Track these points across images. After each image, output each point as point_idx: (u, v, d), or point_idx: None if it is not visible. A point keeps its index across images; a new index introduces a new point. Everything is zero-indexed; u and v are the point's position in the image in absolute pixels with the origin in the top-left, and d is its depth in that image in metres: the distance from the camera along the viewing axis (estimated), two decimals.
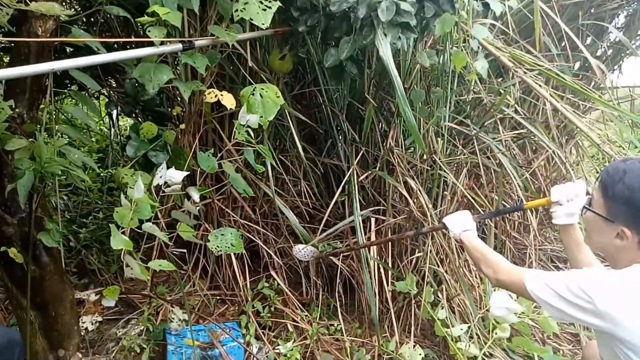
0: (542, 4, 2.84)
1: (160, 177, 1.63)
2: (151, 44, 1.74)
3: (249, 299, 2.83)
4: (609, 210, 1.21)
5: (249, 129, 1.90)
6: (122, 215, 1.55)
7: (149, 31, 1.71)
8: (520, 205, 2.10)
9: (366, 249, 2.75)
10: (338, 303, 2.94)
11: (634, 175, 1.15)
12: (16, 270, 1.91)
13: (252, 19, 1.83)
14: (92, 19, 2.81)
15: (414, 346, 2.53)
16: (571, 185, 1.56)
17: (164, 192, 1.71)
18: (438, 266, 2.78)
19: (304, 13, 2.17)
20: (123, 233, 1.49)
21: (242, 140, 1.88)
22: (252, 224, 2.98)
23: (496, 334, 2.53)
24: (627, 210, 1.17)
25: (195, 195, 1.80)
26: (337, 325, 2.86)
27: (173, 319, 2.52)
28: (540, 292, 1.26)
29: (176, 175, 1.66)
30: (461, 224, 1.74)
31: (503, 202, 3.06)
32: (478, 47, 2.52)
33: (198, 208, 1.83)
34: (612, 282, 1.18)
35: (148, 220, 1.60)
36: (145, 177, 1.84)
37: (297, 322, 2.82)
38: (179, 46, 1.84)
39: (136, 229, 1.62)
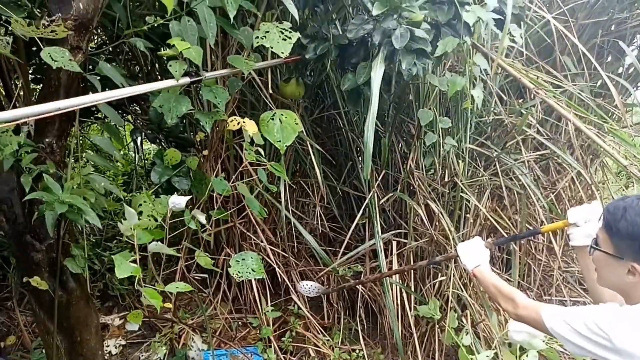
0: (560, 24, 2.83)
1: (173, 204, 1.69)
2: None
3: (270, 323, 2.82)
4: (616, 248, 1.22)
5: (260, 149, 1.94)
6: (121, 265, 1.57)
7: (170, 65, 1.76)
8: (537, 230, 2.07)
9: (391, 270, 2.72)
10: (360, 327, 2.91)
11: (634, 212, 1.18)
12: (44, 295, 1.96)
13: (272, 47, 1.88)
14: (118, 49, 2.92)
15: None
16: (587, 207, 1.57)
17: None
18: (462, 290, 2.73)
19: (313, 41, 2.21)
20: (134, 261, 1.51)
21: (254, 160, 1.91)
22: (273, 247, 2.99)
23: None
24: (633, 245, 1.18)
25: (202, 218, 1.84)
26: (359, 350, 2.82)
27: (192, 346, 2.52)
28: (559, 328, 1.28)
29: (180, 201, 1.71)
30: (473, 258, 1.70)
31: (527, 224, 3.00)
32: (480, 75, 2.54)
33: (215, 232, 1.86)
34: (628, 319, 1.18)
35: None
36: (162, 203, 1.87)
37: (319, 347, 2.80)
38: (187, 80, 1.87)
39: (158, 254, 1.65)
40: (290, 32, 1.90)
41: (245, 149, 1.91)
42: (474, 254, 1.71)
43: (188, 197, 1.76)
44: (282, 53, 1.85)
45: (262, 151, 1.97)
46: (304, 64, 2.58)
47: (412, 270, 2.82)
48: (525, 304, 1.44)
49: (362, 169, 3.14)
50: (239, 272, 1.88)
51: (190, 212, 1.90)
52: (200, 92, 2.01)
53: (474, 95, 2.49)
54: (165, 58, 1.92)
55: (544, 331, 1.35)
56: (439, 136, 2.72)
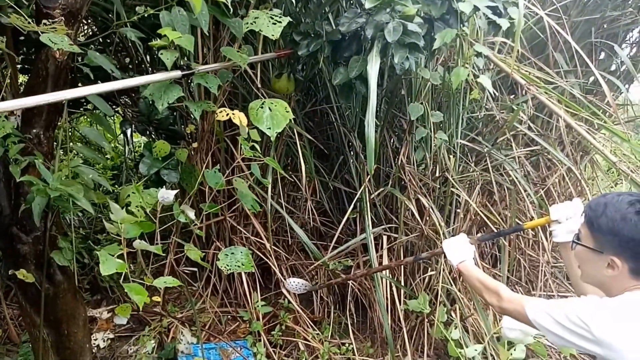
0: (553, 21, 2.84)
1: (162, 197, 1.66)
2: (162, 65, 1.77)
3: (260, 317, 2.82)
4: (597, 242, 1.28)
5: (255, 144, 1.92)
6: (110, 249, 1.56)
7: (162, 54, 1.74)
8: (520, 226, 2.13)
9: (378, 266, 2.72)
10: (350, 321, 2.92)
11: (614, 208, 1.24)
12: (30, 288, 1.93)
13: (261, 31, 1.86)
14: (108, 40, 2.88)
15: None
16: (569, 204, 1.63)
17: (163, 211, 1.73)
18: (451, 285, 2.75)
19: (306, 38, 2.20)
20: (121, 256, 1.49)
21: (251, 156, 1.89)
22: (263, 241, 2.98)
23: (512, 354, 2.47)
24: (613, 239, 1.24)
25: (191, 214, 1.82)
26: (349, 344, 2.83)
27: (182, 340, 2.51)
28: (541, 320, 1.32)
29: (169, 195, 1.69)
30: (458, 254, 1.75)
31: (517, 219, 3.02)
32: (484, 65, 2.52)
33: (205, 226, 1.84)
34: (607, 310, 1.22)
35: (142, 238, 1.60)
36: (152, 194, 1.85)
37: (309, 341, 2.80)
38: (178, 73, 1.85)
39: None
40: (280, 17, 1.89)
41: (241, 144, 1.89)
42: (459, 249, 1.76)
43: (176, 191, 1.74)
44: (272, 36, 1.83)
45: (257, 146, 1.95)
46: (296, 59, 2.56)
47: (401, 265, 2.83)
48: (509, 297, 1.48)
49: (353, 163, 3.14)
50: (227, 265, 1.87)
51: (179, 205, 1.89)
52: (192, 83, 1.98)
53: (482, 83, 2.46)
54: (156, 49, 1.89)
55: (527, 323, 1.38)
56: (430, 131, 2.72)
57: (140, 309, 2.84)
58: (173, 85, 1.85)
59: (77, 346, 2.12)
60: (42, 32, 1.50)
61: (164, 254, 1.79)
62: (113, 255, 1.45)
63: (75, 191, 1.65)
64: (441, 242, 2.65)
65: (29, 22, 1.50)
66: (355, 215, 3.06)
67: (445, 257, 1.79)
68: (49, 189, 1.59)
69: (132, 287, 1.43)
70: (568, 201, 1.65)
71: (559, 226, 1.62)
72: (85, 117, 2.99)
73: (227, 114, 1.83)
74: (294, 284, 2.56)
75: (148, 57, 3.05)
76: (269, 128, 1.85)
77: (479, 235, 1.92)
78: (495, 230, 2.85)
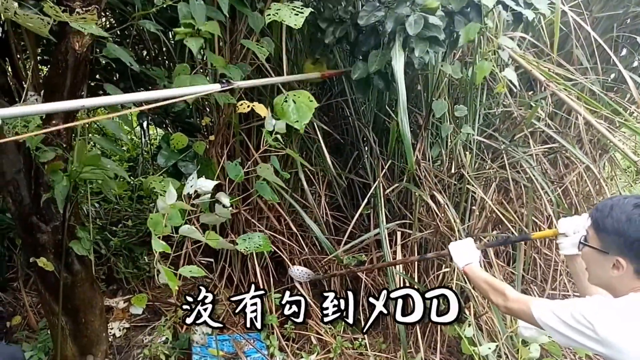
0: (575, 16, 2.78)
1: (191, 186, 1.65)
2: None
3: (273, 310, 2.83)
4: (603, 243, 1.30)
5: (278, 136, 1.93)
6: (156, 222, 1.58)
7: (187, 42, 1.75)
8: (527, 235, 2.17)
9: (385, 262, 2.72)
10: (362, 317, 2.91)
11: (620, 210, 1.27)
12: (49, 276, 1.97)
13: (284, 21, 1.87)
14: (125, 32, 2.90)
15: None
16: (577, 218, 1.65)
17: (193, 202, 1.73)
18: (465, 282, 2.72)
19: (331, 25, 2.18)
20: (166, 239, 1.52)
21: (275, 147, 1.89)
22: (277, 235, 2.99)
23: (527, 353, 2.45)
24: (618, 240, 1.26)
25: (226, 200, 1.81)
26: (362, 339, 2.83)
27: (197, 330, 2.53)
28: (547, 318, 1.34)
29: (207, 185, 1.67)
30: (464, 257, 1.77)
31: (533, 217, 2.99)
32: (509, 59, 2.48)
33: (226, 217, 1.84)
34: (612, 309, 1.24)
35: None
36: (175, 183, 1.87)
37: (321, 335, 2.80)
38: (217, 86, 1.84)
39: (166, 237, 1.64)
40: (301, 8, 1.89)
41: (264, 136, 1.90)
42: (465, 252, 1.78)
43: (216, 182, 1.73)
44: (295, 25, 1.84)
45: (280, 138, 1.95)
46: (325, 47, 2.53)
47: (416, 261, 2.82)
48: (515, 297, 1.51)
49: (367, 158, 3.12)
50: (246, 247, 1.90)
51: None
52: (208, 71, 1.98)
53: (507, 76, 2.42)
54: (173, 41, 1.91)
55: (533, 322, 1.41)
56: (456, 125, 2.69)
57: (159, 298, 2.89)
58: (198, 76, 1.86)
59: (94, 334, 2.16)
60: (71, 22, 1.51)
61: (207, 241, 1.79)
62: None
63: (99, 176, 1.68)
64: (456, 240, 2.65)
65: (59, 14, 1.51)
66: (369, 211, 3.05)
67: (452, 258, 1.81)
68: (74, 171, 1.61)
69: (167, 271, 1.46)
70: (576, 215, 1.69)
71: (566, 239, 1.65)
72: (102, 109, 3.02)
73: (248, 106, 1.84)
74: (298, 272, 2.61)
75: (164, 49, 3.07)
76: (297, 121, 1.86)
77: (486, 241, 1.94)
78: (510, 228, 2.83)
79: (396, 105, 2.88)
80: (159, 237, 1.51)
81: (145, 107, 1.75)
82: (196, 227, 1.68)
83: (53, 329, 2.09)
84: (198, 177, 1.66)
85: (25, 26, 1.50)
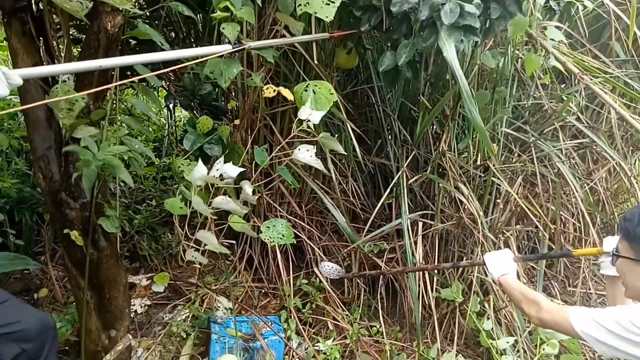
0: (614, 6, 2.69)
1: (217, 169, 1.67)
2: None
3: (291, 295, 2.86)
4: (636, 252, 1.27)
5: (310, 122, 1.92)
6: (173, 205, 1.60)
7: (223, 28, 1.75)
8: (569, 252, 2.13)
9: (412, 252, 2.71)
10: (379, 305, 2.92)
11: None
12: (76, 251, 2.02)
13: (316, 13, 1.84)
14: (155, 14, 2.91)
15: (456, 355, 2.48)
16: None
17: (217, 185, 1.75)
18: (485, 275, 2.70)
19: (366, 12, 2.13)
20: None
21: (307, 134, 1.89)
22: (297, 220, 3.00)
23: (544, 349, 2.43)
24: None
25: (249, 189, 1.82)
26: (378, 327, 2.84)
27: (219, 307, 2.58)
28: (591, 330, 1.29)
29: (232, 170, 1.68)
30: (501, 268, 1.72)
31: (561, 213, 2.92)
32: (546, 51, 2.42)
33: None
34: None
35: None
36: (201, 166, 1.89)
37: (338, 321, 2.82)
38: (228, 47, 1.85)
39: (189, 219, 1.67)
40: None
41: (295, 124, 1.89)
42: (502, 263, 1.74)
43: (242, 169, 1.74)
44: (327, 17, 1.81)
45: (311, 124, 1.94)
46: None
47: (437, 252, 2.80)
48: (548, 308, 1.47)
49: (391, 147, 3.10)
50: (270, 237, 1.91)
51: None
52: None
53: (556, 66, 2.35)
54: (200, 25, 1.91)
55: (571, 334, 1.36)
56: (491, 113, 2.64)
57: (181, 277, 2.94)
58: (232, 60, 1.86)
59: (117, 310, 2.21)
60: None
61: (239, 221, 1.83)
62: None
63: (117, 164, 1.70)
64: (478, 232, 2.63)
65: None
66: (391, 200, 3.04)
67: (487, 268, 1.77)
68: (93, 159, 1.64)
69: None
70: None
71: (608, 259, 1.56)
72: (131, 88, 3.05)
73: (274, 90, 1.84)
74: (328, 268, 2.58)
75: (193, 31, 3.08)
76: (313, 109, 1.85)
77: (523, 255, 1.89)
78: (535, 222, 2.78)
79: (422, 94, 2.86)
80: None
81: (164, 70, 1.74)
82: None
83: (79, 303, 2.14)
84: (225, 162, 1.68)
85: (61, 7, 1.52)
